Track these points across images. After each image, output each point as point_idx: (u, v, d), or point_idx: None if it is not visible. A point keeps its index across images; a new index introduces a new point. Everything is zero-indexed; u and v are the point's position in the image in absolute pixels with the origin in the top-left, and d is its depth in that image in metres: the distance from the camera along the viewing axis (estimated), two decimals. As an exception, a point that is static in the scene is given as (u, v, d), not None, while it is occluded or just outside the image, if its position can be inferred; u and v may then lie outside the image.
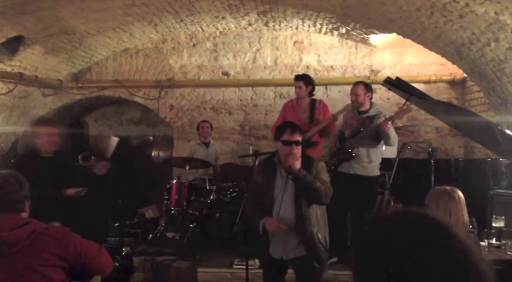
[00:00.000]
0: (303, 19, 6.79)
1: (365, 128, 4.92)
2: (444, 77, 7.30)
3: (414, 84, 5.61)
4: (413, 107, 5.65)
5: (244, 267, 4.21)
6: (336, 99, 7.41)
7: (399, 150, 5.37)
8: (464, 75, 6.76)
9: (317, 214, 3.51)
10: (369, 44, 7.36)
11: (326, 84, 7.54)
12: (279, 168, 3.54)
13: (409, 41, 6.15)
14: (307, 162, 3.49)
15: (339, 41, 7.55)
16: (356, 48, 7.54)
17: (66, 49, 6.73)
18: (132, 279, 5.25)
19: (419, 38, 5.67)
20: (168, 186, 6.10)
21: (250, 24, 7.33)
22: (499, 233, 3.65)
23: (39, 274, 2.15)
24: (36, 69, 6.66)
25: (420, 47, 6.20)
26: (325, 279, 3.71)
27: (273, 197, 3.50)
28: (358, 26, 6.50)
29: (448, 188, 3.10)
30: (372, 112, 5.03)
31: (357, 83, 5.14)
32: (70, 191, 4.07)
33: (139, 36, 7.38)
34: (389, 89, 5.97)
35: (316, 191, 3.39)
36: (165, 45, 7.83)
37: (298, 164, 3.38)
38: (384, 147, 5.14)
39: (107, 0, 5.55)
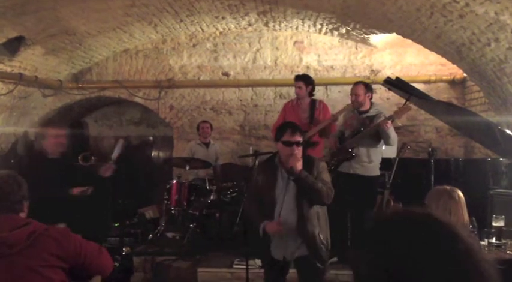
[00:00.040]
0: (303, 19, 6.79)
1: (365, 127, 4.92)
2: (444, 77, 7.30)
3: (414, 84, 5.62)
4: (413, 106, 5.66)
5: (244, 267, 4.21)
6: (336, 99, 7.41)
7: (399, 150, 5.37)
8: (464, 75, 6.76)
9: (318, 215, 3.50)
10: (369, 44, 7.36)
11: (326, 84, 7.55)
12: (280, 169, 3.53)
13: (409, 41, 6.15)
14: (308, 162, 3.48)
15: (339, 41, 7.56)
16: (356, 48, 7.54)
17: (66, 49, 6.73)
18: (132, 279, 5.25)
19: (420, 38, 5.67)
20: (168, 186, 6.10)
21: (250, 25, 7.33)
22: (499, 233, 3.65)
23: (39, 275, 2.15)
24: (36, 70, 6.66)
25: (420, 47, 6.21)
26: (327, 279, 3.70)
27: (274, 198, 3.49)
28: (358, 26, 6.51)
29: (448, 187, 3.10)
30: (372, 112, 5.03)
31: (357, 83, 5.14)
32: (76, 190, 4.08)
33: (140, 36, 7.39)
34: (389, 89, 5.98)
35: (318, 192, 3.38)
36: (165, 46, 7.83)
37: (299, 165, 3.37)
38: (383, 147, 5.14)
39: (107, 1, 5.56)
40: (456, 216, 2.96)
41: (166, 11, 6.29)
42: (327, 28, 7.07)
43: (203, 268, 5.12)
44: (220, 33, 7.74)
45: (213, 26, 7.36)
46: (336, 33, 7.25)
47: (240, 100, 7.80)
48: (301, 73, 6.23)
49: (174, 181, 6.12)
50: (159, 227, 6.10)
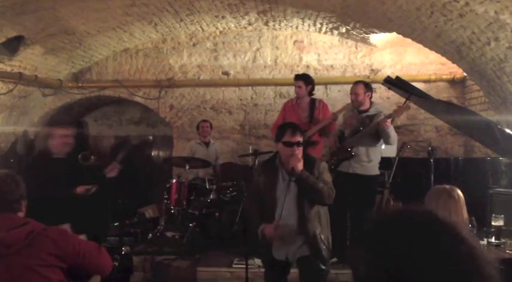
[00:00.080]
0: (303, 18, 6.79)
1: (365, 127, 4.92)
2: (444, 76, 7.30)
3: (414, 84, 5.62)
4: (413, 106, 5.66)
5: (244, 266, 4.21)
6: (335, 98, 7.41)
7: (399, 149, 5.37)
8: (464, 74, 6.76)
9: (319, 215, 3.50)
10: (369, 43, 7.36)
11: (326, 83, 7.54)
12: (281, 169, 3.52)
13: (409, 40, 6.15)
14: (309, 162, 3.47)
15: (338, 41, 7.55)
16: (356, 48, 7.54)
17: (66, 49, 6.73)
18: (131, 279, 5.24)
19: (419, 37, 5.67)
20: (167, 185, 6.10)
21: (250, 24, 7.33)
22: (499, 232, 3.65)
23: (37, 274, 2.14)
24: (36, 69, 6.66)
25: (420, 46, 6.21)
26: (329, 279, 3.68)
27: (275, 199, 3.48)
28: (358, 25, 6.51)
29: (447, 186, 3.10)
30: (371, 111, 5.03)
31: (356, 83, 5.14)
32: (80, 189, 4.08)
33: (139, 36, 7.39)
34: (389, 88, 5.97)
35: (319, 192, 3.37)
36: (165, 45, 7.83)
37: (300, 166, 3.36)
38: (383, 146, 5.14)
39: (107, 0, 5.56)
40: (456, 215, 2.95)
41: (166, 11, 6.29)
42: (326, 27, 7.07)
43: (203, 267, 5.12)
44: (220, 32, 7.74)
45: (213, 25, 7.36)
46: (335, 32, 7.25)
47: (240, 99, 7.80)
48: (301, 72, 6.24)
49: (174, 180, 6.13)
50: (158, 227, 6.09)
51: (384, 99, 7.37)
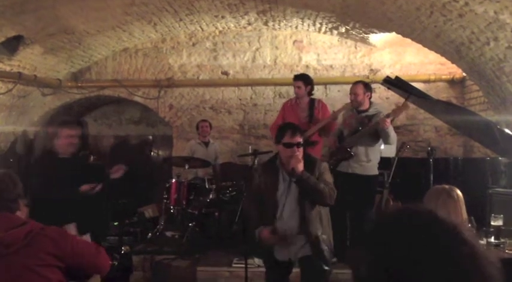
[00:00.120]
0: (302, 18, 6.79)
1: (364, 127, 4.92)
2: (443, 76, 7.30)
3: (413, 84, 5.60)
4: (413, 106, 5.65)
5: (243, 266, 4.21)
6: (335, 98, 7.41)
7: (398, 149, 5.37)
8: (464, 74, 6.76)
9: (321, 216, 3.49)
10: (369, 43, 7.36)
11: (325, 83, 7.55)
12: (281, 170, 3.52)
13: (408, 40, 6.15)
14: (309, 163, 3.47)
15: (338, 40, 7.56)
16: (355, 48, 7.55)
17: (65, 48, 6.73)
18: (131, 278, 5.25)
19: (419, 37, 5.67)
20: (167, 185, 6.10)
21: (249, 24, 7.33)
22: (498, 232, 3.65)
23: (36, 274, 2.14)
24: (36, 69, 6.66)
25: (419, 46, 6.21)
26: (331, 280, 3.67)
27: (276, 200, 3.48)
28: (357, 25, 6.51)
29: (446, 186, 3.10)
30: (371, 111, 5.03)
31: (356, 83, 5.14)
32: (85, 187, 4.09)
33: (139, 35, 7.39)
34: (388, 88, 5.97)
35: (320, 193, 3.36)
36: (165, 45, 7.83)
37: (300, 166, 3.35)
38: (382, 146, 5.14)
39: (106, 0, 5.56)
40: (455, 215, 2.95)
41: (166, 10, 6.29)
42: (326, 27, 7.07)
43: (202, 267, 5.12)
44: (220, 32, 7.74)
45: (213, 25, 7.36)
46: (335, 32, 7.26)
47: (240, 99, 7.80)
48: (300, 72, 6.24)
49: (174, 180, 6.12)
50: (158, 226, 6.09)
51: (383, 99, 7.37)
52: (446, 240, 0.92)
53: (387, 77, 5.45)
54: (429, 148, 5.33)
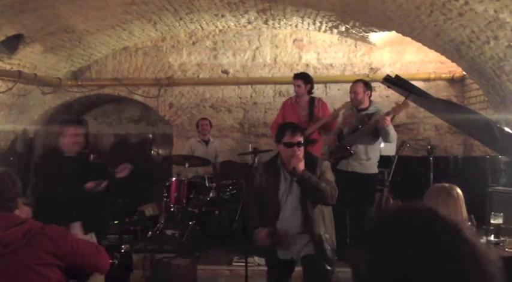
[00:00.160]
0: (302, 17, 6.79)
1: (363, 125, 4.93)
2: (443, 75, 7.31)
3: (413, 82, 5.62)
4: (413, 104, 5.66)
5: (243, 264, 4.21)
6: (335, 97, 7.42)
7: (398, 148, 5.38)
8: (464, 73, 6.77)
9: (323, 215, 3.47)
10: (369, 42, 7.36)
11: (325, 82, 7.55)
12: (283, 170, 3.51)
13: (408, 39, 6.15)
14: (311, 162, 3.46)
15: (338, 39, 7.56)
16: (355, 46, 7.54)
17: (65, 47, 6.73)
18: (131, 277, 5.23)
19: (419, 36, 5.67)
20: (167, 183, 6.10)
21: (249, 22, 7.33)
22: (498, 230, 3.65)
23: (35, 273, 2.14)
24: (36, 68, 6.66)
25: (419, 45, 6.21)
26: (335, 280, 3.64)
27: (277, 199, 3.47)
28: (357, 24, 6.51)
29: (446, 185, 3.10)
30: (370, 110, 5.03)
31: (356, 81, 5.14)
32: (89, 185, 4.10)
33: (139, 34, 7.38)
34: (388, 86, 5.97)
35: (321, 192, 3.35)
36: (165, 44, 7.83)
37: (301, 166, 3.34)
38: (382, 145, 5.14)
39: (106, -2, 5.56)
40: (455, 213, 2.95)
41: (166, 9, 6.29)
42: (326, 26, 7.07)
43: (202, 265, 5.12)
44: (220, 31, 7.74)
45: (213, 23, 7.36)
46: (335, 31, 7.25)
47: (240, 98, 7.80)
48: (300, 71, 6.23)
49: (174, 179, 6.12)
50: (158, 225, 6.09)
51: (383, 97, 7.37)
52: (447, 239, 0.91)
53: (387, 75, 5.45)
54: (429, 147, 5.34)
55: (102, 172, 4.38)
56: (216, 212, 6.10)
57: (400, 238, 0.94)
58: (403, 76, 5.52)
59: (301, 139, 3.43)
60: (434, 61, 7.27)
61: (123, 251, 5.20)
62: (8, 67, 6.10)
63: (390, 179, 5.19)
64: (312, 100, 5.70)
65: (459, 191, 3.07)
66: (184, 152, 6.82)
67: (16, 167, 6.68)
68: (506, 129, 4.50)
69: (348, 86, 5.44)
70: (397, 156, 5.23)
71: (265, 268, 3.90)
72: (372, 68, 7.51)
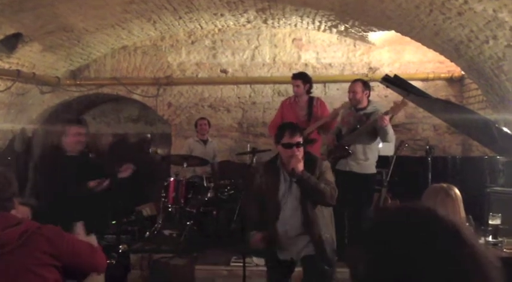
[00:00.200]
0: (301, 16, 6.78)
1: (362, 125, 4.93)
2: (442, 75, 7.31)
3: (412, 82, 5.60)
4: (411, 104, 5.65)
5: (241, 264, 4.21)
6: (334, 96, 7.41)
7: (396, 148, 5.37)
8: (462, 73, 6.76)
9: (324, 215, 3.46)
10: (368, 42, 7.36)
11: (324, 81, 7.54)
12: (282, 170, 3.50)
13: (407, 39, 6.15)
14: (310, 162, 3.45)
15: (337, 39, 7.55)
16: (354, 46, 7.54)
17: (64, 46, 6.72)
18: (129, 277, 5.22)
19: (418, 36, 5.67)
20: (165, 183, 6.09)
21: (249, 22, 7.32)
22: (496, 231, 3.64)
23: (32, 274, 2.12)
24: (34, 67, 6.65)
25: (418, 44, 6.21)
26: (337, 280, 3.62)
27: (278, 200, 3.46)
28: (356, 23, 6.50)
29: (445, 185, 3.10)
30: (369, 109, 5.03)
31: (355, 81, 5.15)
32: (93, 183, 4.10)
33: (138, 33, 7.37)
34: (387, 86, 5.95)
35: (321, 193, 3.33)
36: (164, 43, 7.82)
37: (300, 166, 3.33)
38: (380, 145, 5.14)
39: (105, -3, 5.56)
40: (453, 214, 2.95)
41: (165, 8, 6.28)
42: (325, 25, 7.06)
43: (200, 265, 5.11)
44: (219, 30, 7.73)
45: (212, 23, 7.36)
46: (334, 30, 7.25)
47: (238, 97, 7.80)
48: (299, 71, 6.22)
49: (172, 178, 6.11)
50: (156, 225, 6.08)
51: (382, 97, 7.37)
52: (446, 239, 0.91)
53: (386, 75, 5.44)
54: (427, 147, 5.33)
55: (100, 171, 4.38)
56: (214, 212, 6.10)
57: (399, 238, 0.93)
58: (401, 76, 5.51)
59: (300, 139, 3.42)
60: (433, 61, 7.26)
61: (120, 251, 5.19)
62: (6, 66, 6.09)
63: (388, 179, 5.18)
64: (311, 100, 5.70)
65: (457, 191, 3.07)
66: (183, 151, 6.81)
67: (14, 166, 6.67)
68: (505, 129, 4.49)
69: (346, 85, 5.43)
70: (395, 156, 5.22)
71: (263, 268, 3.89)
72: (370, 68, 7.50)
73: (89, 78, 7.84)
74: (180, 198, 5.94)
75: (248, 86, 7.78)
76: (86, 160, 4.31)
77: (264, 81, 7.70)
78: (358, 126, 4.94)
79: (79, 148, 4.20)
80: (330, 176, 3.51)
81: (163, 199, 6.05)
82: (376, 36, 7.01)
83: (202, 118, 7.04)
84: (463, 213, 3.06)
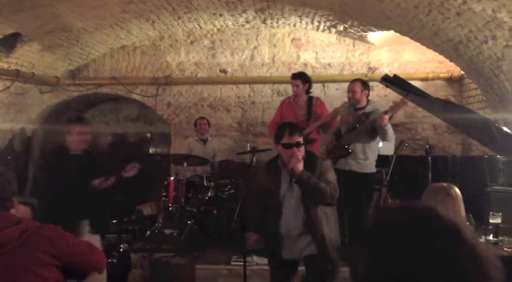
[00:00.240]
0: (300, 16, 6.79)
1: (361, 124, 4.93)
2: (442, 75, 7.32)
3: (412, 82, 5.61)
4: (411, 104, 5.66)
5: (242, 263, 4.21)
6: (333, 96, 7.42)
7: (396, 147, 5.38)
8: (462, 72, 6.78)
9: (326, 215, 3.45)
10: (367, 42, 7.36)
11: (324, 81, 7.55)
12: (283, 170, 3.50)
13: (406, 39, 6.15)
14: (310, 162, 3.44)
15: (336, 39, 7.56)
16: (354, 46, 7.55)
17: (63, 46, 6.71)
18: (130, 276, 5.24)
19: (417, 36, 5.68)
20: (165, 183, 6.09)
21: (248, 22, 7.32)
22: (496, 230, 3.66)
23: (32, 273, 2.12)
24: (33, 66, 6.65)
25: (418, 44, 6.21)
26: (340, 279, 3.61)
27: (279, 200, 3.46)
28: (356, 23, 6.51)
29: (445, 184, 3.10)
30: (368, 109, 5.04)
31: (354, 81, 5.15)
32: (97, 182, 4.10)
33: (137, 33, 7.37)
34: (386, 86, 5.95)
35: (321, 193, 3.32)
36: (163, 43, 7.82)
37: (300, 166, 3.32)
38: (380, 144, 5.15)
39: (104, -3, 5.55)
40: (453, 213, 2.95)
41: (164, 8, 6.28)
42: (324, 25, 7.07)
43: (201, 265, 5.11)
44: (218, 30, 7.73)
45: (211, 23, 7.36)
46: (333, 30, 7.26)
47: (238, 97, 7.80)
48: (298, 70, 6.23)
49: (172, 178, 6.12)
50: (156, 224, 6.08)
51: (381, 97, 7.37)
52: (446, 238, 0.91)
53: (385, 75, 5.45)
54: (427, 146, 5.33)
55: (109, 170, 4.39)
56: (215, 211, 6.10)
57: (399, 237, 0.93)
58: (401, 76, 5.52)
59: (300, 139, 3.41)
60: (432, 61, 7.28)
61: (121, 250, 5.21)
62: (5, 66, 6.08)
63: (388, 179, 5.19)
64: (310, 99, 5.71)
65: (457, 190, 3.07)
66: (183, 151, 6.81)
67: (14, 166, 6.67)
68: (505, 128, 4.51)
69: (346, 85, 5.43)
70: (395, 156, 5.23)
71: (264, 267, 3.89)
72: (370, 68, 7.51)
73: (88, 78, 7.84)
74: (181, 197, 5.94)
75: (247, 85, 7.78)
76: (90, 159, 4.31)
77: (263, 81, 7.70)
78: (357, 125, 4.95)
79: (83, 147, 4.21)
80: (331, 176, 3.49)
81: (163, 198, 6.05)
82: (376, 36, 7.01)
83: (201, 118, 7.04)
84: (463, 213, 3.06)
